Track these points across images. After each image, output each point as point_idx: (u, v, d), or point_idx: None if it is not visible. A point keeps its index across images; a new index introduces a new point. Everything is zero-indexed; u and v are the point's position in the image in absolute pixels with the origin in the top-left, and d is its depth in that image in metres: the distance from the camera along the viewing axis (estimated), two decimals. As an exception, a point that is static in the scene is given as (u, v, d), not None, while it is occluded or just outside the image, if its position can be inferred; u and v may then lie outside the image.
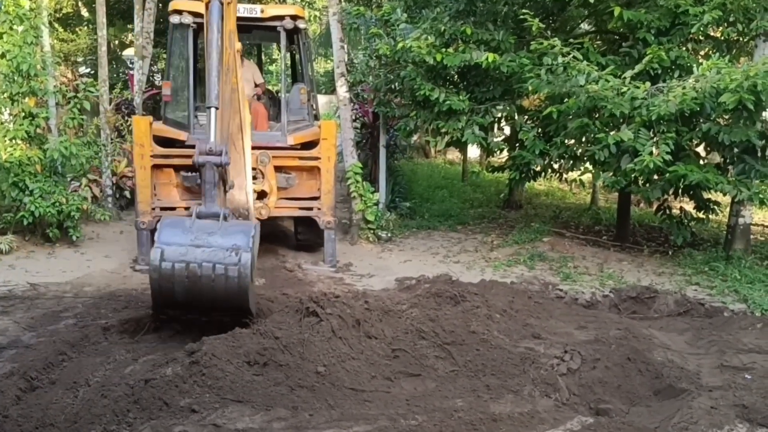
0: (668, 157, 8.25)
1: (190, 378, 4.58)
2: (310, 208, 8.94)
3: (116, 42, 19.02)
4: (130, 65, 15.81)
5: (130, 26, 15.60)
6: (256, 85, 9.75)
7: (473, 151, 17.63)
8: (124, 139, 12.26)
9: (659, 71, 9.04)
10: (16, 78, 9.03)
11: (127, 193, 11.67)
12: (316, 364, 4.93)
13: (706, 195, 9.61)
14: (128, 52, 18.24)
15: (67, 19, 18.58)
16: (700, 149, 9.74)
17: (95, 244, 9.61)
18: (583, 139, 9.58)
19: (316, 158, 8.81)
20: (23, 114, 9.18)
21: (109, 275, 8.16)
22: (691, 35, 9.35)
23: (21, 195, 8.88)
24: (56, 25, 16.72)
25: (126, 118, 12.66)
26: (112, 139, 11.63)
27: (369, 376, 5.00)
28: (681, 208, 10.24)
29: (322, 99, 13.52)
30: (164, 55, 12.52)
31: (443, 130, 10.43)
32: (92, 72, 16.76)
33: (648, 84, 8.60)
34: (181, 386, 4.50)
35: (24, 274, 8.00)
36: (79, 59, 19.16)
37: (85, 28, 18.69)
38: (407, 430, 4.23)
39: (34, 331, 6.05)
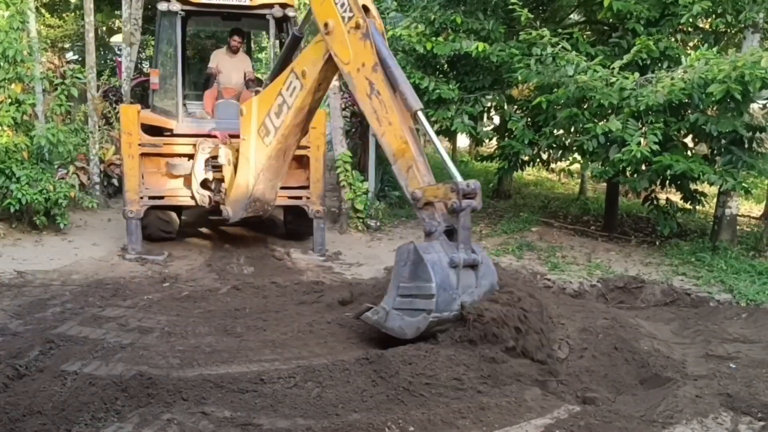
0: (656, 148, 8.30)
1: (178, 366, 4.58)
2: (299, 197, 8.93)
3: (104, 28, 18.84)
4: (118, 52, 15.64)
5: (118, 12, 15.43)
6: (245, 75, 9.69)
7: (462, 140, 17.65)
8: (111, 127, 12.17)
9: (648, 62, 9.09)
10: (2, 64, 8.92)
11: (114, 181, 11.60)
12: (305, 352, 4.94)
13: (693, 186, 9.67)
14: (116, 38, 18.08)
15: (54, 4, 18.37)
16: (688, 140, 9.79)
17: (83, 231, 9.55)
18: (572, 129, 9.62)
19: (305, 147, 8.77)
20: (10, 100, 9.07)
21: (96, 263, 8.13)
22: (680, 26, 9.38)
23: (8, 182, 8.81)
24: (43, 11, 16.54)
25: (114, 105, 12.56)
26: (99, 127, 11.54)
27: (357, 364, 5.00)
28: (667, 199, 10.31)
29: (311, 87, 13.42)
30: (152, 42, 12.42)
31: (433, 119, 10.43)
32: (79, 58, 16.59)
33: (636, 74, 8.63)
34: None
35: (11, 261, 7.94)
36: (67, 45, 18.98)
37: (73, 13, 18.51)
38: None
39: (21, 318, 6.02)
